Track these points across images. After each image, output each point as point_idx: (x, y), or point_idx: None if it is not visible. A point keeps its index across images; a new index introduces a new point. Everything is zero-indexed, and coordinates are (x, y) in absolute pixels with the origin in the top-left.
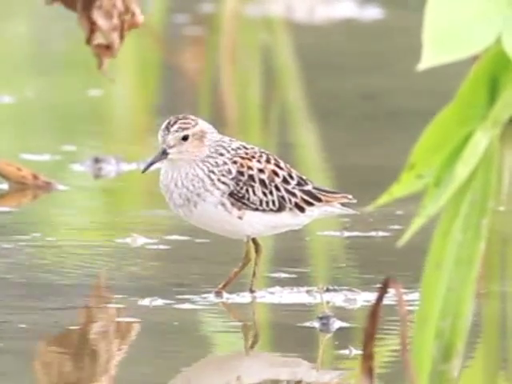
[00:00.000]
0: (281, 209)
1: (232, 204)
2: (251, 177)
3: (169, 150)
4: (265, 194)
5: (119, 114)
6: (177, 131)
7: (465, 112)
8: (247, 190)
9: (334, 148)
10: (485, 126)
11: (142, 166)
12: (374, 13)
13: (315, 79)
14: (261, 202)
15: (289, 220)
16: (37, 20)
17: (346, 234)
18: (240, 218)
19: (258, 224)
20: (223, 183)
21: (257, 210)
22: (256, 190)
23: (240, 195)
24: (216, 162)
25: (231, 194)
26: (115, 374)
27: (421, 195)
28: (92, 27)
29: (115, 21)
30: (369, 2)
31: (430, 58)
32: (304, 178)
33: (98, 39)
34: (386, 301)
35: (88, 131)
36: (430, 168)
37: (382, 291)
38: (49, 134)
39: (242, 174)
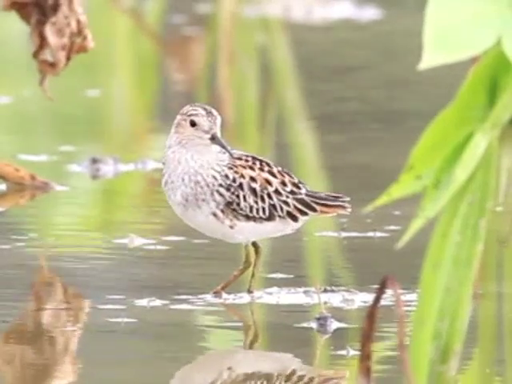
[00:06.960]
0: (271, 218)
1: (223, 212)
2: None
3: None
4: (256, 201)
5: (117, 115)
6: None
7: (464, 113)
8: (238, 196)
9: (331, 148)
10: (484, 128)
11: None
12: (371, 13)
13: (312, 79)
14: (251, 209)
15: (281, 226)
16: None
17: (344, 234)
18: (231, 227)
19: (250, 233)
20: (221, 195)
21: (248, 218)
22: (247, 197)
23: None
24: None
25: (227, 204)
26: (112, 375)
27: (419, 196)
28: (42, 43)
29: (65, 40)
30: (366, 2)
31: (430, 58)
32: (299, 182)
33: (45, 55)
34: (384, 301)
35: (86, 132)
36: (429, 169)
37: (380, 292)
38: (46, 134)
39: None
